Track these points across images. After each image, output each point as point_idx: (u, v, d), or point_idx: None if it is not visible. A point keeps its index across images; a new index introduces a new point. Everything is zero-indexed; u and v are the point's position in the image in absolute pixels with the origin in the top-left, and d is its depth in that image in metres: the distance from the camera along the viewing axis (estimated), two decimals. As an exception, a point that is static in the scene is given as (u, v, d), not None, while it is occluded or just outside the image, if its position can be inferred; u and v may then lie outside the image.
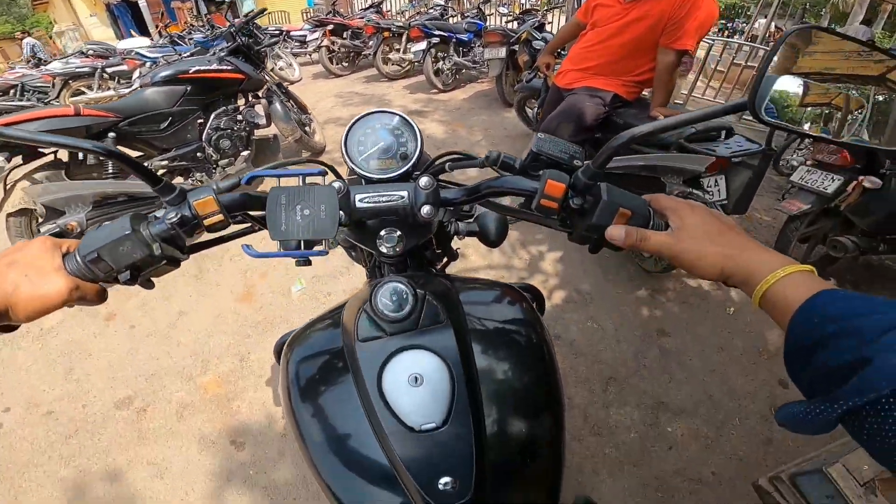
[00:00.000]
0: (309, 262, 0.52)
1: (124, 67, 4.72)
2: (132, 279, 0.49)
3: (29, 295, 0.43)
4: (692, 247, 0.45)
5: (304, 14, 10.76)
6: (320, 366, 0.57)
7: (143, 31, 10.62)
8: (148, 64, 4.47)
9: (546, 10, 5.95)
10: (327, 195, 0.48)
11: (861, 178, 1.81)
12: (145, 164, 2.34)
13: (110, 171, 2.22)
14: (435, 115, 4.39)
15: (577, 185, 0.49)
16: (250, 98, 2.93)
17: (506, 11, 6.81)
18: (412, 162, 0.59)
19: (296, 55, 6.07)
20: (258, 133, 2.97)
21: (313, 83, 5.84)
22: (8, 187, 2.04)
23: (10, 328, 0.46)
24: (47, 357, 1.95)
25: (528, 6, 6.61)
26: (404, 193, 0.53)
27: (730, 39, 6.14)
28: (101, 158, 2.21)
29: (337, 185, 0.51)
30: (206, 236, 0.54)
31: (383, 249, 0.57)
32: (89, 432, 1.62)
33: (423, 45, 4.82)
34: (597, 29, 2.10)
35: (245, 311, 2.09)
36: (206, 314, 2.09)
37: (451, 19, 6.06)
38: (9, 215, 2.00)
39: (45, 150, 2.12)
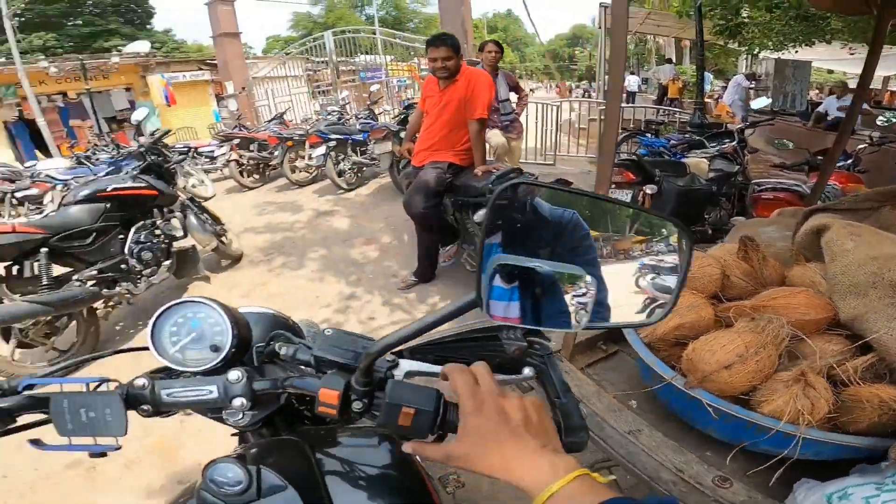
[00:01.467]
0: (104, 454, 0.52)
1: (34, 191, 4.92)
2: None
3: None
4: (473, 452, 0.44)
5: (212, 129, 11.44)
6: None
7: (44, 152, 10.59)
8: (59, 186, 4.73)
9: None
10: (111, 401, 0.51)
11: (643, 188, 2.83)
12: (74, 277, 2.70)
13: (44, 283, 2.53)
14: (342, 213, 4.99)
15: (355, 389, 0.51)
16: (165, 212, 3.36)
17: (390, 108, 7.99)
18: (223, 355, 0.57)
19: (207, 171, 6.50)
20: (177, 244, 3.36)
21: (227, 197, 6.24)
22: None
23: None
24: None
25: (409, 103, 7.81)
26: (213, 388, 0.54)
27: (584, 99, 7.85)
28: (39, 270, 2.54)
29: (140, 381, 0.53)
30: None
31: (230, 422, 0.56)
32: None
33: (322, 149, 5.53)
34: (429, 114, 3.02)
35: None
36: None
37: (347, 122, 6.95)
38: None
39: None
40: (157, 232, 3.18)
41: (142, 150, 3.44)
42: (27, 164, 6.19)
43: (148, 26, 27.21)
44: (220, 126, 11.42)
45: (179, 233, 3.35)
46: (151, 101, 14.14)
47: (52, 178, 4.93)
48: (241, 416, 0.55)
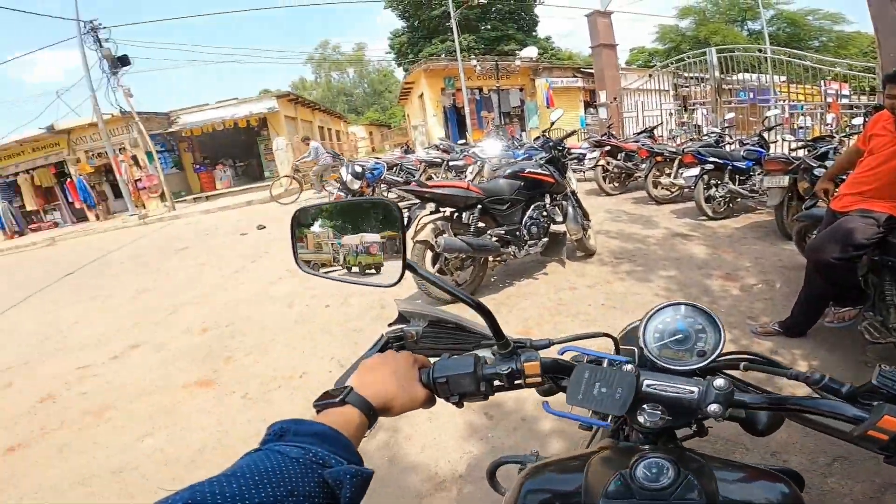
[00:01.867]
0: (591, 428, 0.59)
1: (461, 163, 6.77)
2: (459, 403, 0.62)
3: (403, 400, 0.59)
4: None
5: (578, 133, 12.47)
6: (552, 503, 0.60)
7: (462, 133, 14.21)
8: (478, 163, 6.34)
9: (844, 137, 5.66)
10: (627, 381, 0.54)
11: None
12: (488, 231, 3.57)
13: (472, 230, 3.47)
14: (701, 240, 4.66)
15: None
16: (554, 199, 3.99)
17: (792, 138, 6.69)
18: (708, 361, 0.60)
19: (574, 171, 7.26)
20: (553, 227, 3.96)
21: (587, 198, 6.68)
22: (420, 225, 3.47)
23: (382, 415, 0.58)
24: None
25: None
26: (694, 389, 0.55)
27: None
28: (470, 220, 3.49)
29: (628, 367, 0.56)
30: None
31: (641, 420, 0.57)
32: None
33: (695, 171, 5.24)
34: (873, 155, 2.40)
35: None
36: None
37: (727, 147, 6.33)
38: (416, 241, 3.39)
39: (444, 209, 3.52)
40: (545, 213, 3.81)
41: (550, 144, 4.16)
42: (459, 142, 8.47)
43: (533, 33, 30.49)
44: (584, 132, 12.46)
45: (559, 218, 3.90)
46: (536, 101, 16.62)
47: (477, 155, 6.60)
48: (656, 419, 0.56)
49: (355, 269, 0.73)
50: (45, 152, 14.75)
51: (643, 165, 6.43)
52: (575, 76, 17.95)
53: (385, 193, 7.69)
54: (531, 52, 17.61)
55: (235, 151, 17.33)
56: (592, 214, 5.66)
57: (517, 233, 3.64)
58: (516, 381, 0.61)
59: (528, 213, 3.70)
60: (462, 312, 0.80)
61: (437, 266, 3.53)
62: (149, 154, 13.57)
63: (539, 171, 3.74)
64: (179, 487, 0.37)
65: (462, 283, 3.62)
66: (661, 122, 9.48)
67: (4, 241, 14.37)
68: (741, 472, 0.60)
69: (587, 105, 17.01)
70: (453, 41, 15.77)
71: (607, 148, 6.95)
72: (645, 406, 0.56)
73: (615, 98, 11.12)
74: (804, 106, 9.34)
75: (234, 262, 5.86)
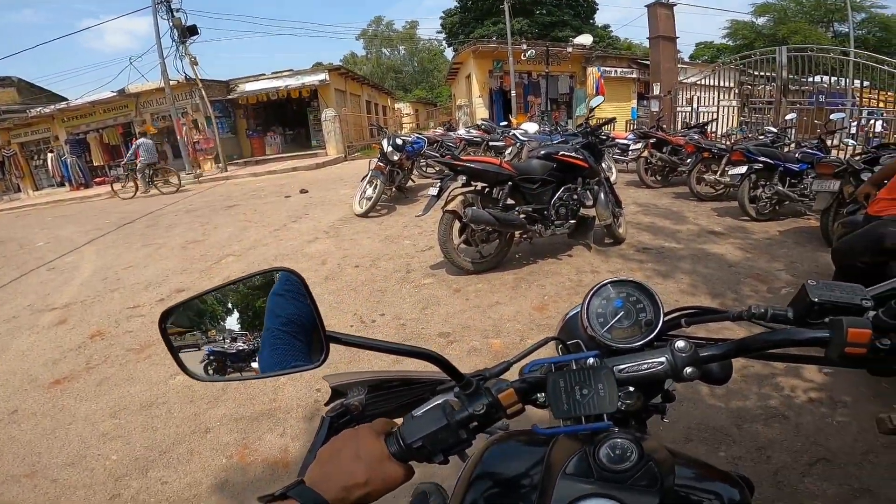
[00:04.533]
0: (591, 436, 0.53)
1: (501, 144, 6.81)
2: (444, 461, 0.56)
3: (377, 484, 0.51)
4: None
5: (629, 124, 12.11)
6: (511, 473, 0.60)
7: (506, 116, 14.12)
8: (517, 144, 6.37)
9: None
10: (604, 376, 0.52)
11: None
12: (516, 208, 3.65)
13: (500, 206, 3.55)
14: (735, 240, 4.52)
15: (883, 326, 0.50)
16: (587, 182, 4.00)
17: (854, 143, 6.30)
18: (658, 329, 0.60)
19: (616, 160, 7.14)
20: (583, 211, 3.97)
21: (625, 189, 6.65)
22: (450, 196, 3.59)
23: None
24: (430, 299, 3.33)
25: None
26: (663, 360, 0.55)
27: None
28: (500, 195, 3.57)
29: (593, 360, 0.55)
30: None
31: (621, 407, 0.55)
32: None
33: (742, 169, 5.05)
34: None
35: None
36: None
37: (784, 148, 6.05)
38: (445, 210, 3.52)
39: (475, 183, 3.62)
40: (574, 196, 3.84)
41: (587, 129, 4.15)
42: (502, 124, 8.48)
43: (590, 21, 29.68)
44: (635, 124, 12.11)
45: (589, 202, 3.92)
46: (585, 89, 16.21)
47: (517, 136, 6.63)
48: (633, 400, 0.55)
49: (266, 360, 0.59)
50: (115, 114, 15.83)
51: (689, 160, 6.24)
52: (630, 66, 17.32)
53: (424, 167, 7.84)
54: (585, 39, 17.11)
55: (286, 120, 17.95)
56: (628, 206, 5.61)
57: (545, 212, 3.70)
58: (496, 417, 0.56)
59: (559, 194, 3.74)
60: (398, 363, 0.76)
61: (464, 237, 3.65)
62: (207, 118, 14.28)
63: (573, 154, 3.76)
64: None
65: (486, 255, 3.73)
66: (716, 119, 9.09)
67: (70, 191, 15.65)
68: (700, 468, 0.60)
69: (640, 97, 16.42)
70: (505, 24, 15.54)
71: (653, 140, 6.77)
72: (621, 393, 0.54)
73: (669, 91, 10.71)
74: (882, 112, 8.73)
75: (277, 221, 6.20)
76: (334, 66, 16.72)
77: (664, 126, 8.36)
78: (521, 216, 3.59)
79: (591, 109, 4.56)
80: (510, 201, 3.62)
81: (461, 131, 8.30)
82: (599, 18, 32.02)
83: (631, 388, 0.55)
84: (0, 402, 2.77)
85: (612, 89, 15.52)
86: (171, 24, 12.94)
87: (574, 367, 0.55)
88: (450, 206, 3.51)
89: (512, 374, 0.61)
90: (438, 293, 3.48)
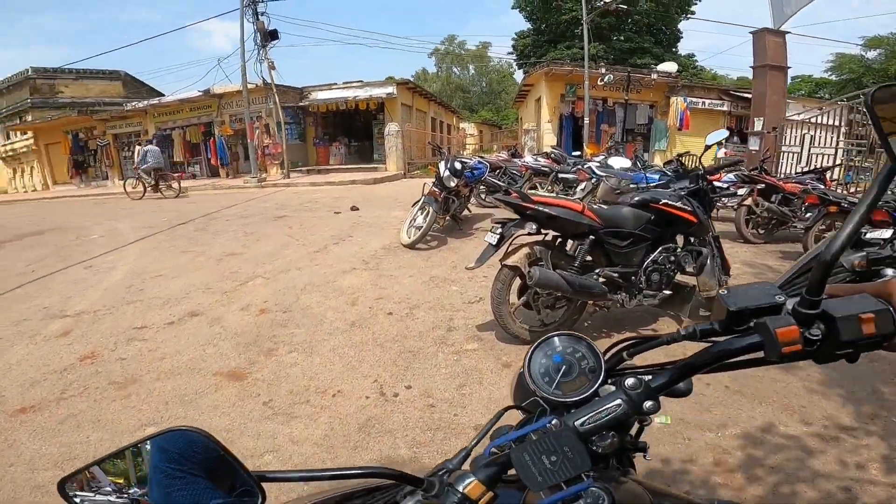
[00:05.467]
0: (579, 496, 0.51)
1: (572, 177, 5.99)
2: None
3: None
4: None
5: (717, 161, 10.80)
6: None
7: (577, 145, 13.18)
8: (593, 180, 5.52)
9: None
10: (565, 437, 0.51)
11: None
12: (596, 269, 2.83)
13: (575, 264, 2.77)
14: None
15: (802, 318, 0.50)
16: (690, 241, 3.12)
17: None
18: (602, 372, 0.60)
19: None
20: (678, 277, 3.09)
21: None
22: (512, 246, 2.83)
23: None
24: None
25: None
26: (619, 401, 0.54)
27: None
28: (577, 252, 2.80)
29: (553, 424, 0.54)
30: None
31: (598, 451, 0.54)
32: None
33: (886, 232, 3.96)
34: None
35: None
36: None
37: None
38: (504, 265, 2.77)
39: (545, 232, 2.86)
40: (673, 259, 2.96)
41: (699, 173, 3.27)
42: (574, 154, 7.64)
43: (673, 50, 28.00)
44: (719, 161, 10.76)
45: (690, 268, 3.03)
46: (666, 120, 14.92)
47: (593, 170, 5.77)
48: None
49: None
50: (199, 113, 16.65)
51: (808, 214, 5.10)
52: (720, 98, 15.79)
53: (483, 196, 7.15)
54: (670, 66, 15.92)
55: (353, 131, 18.07)
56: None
57: (633, 277, 2.85)
58: None
59: (653, 255, 2.89)
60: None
61: (524, 298, 2.89)
62: (278, 124, 14.55)
63: (678, 205, 2.90)
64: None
65: (549, 323, 2.92)
66: (840, 164, 7.73)
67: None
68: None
69: (731, 133, 14.86)
70: (579, 48, 14.74)
71: (760, 186, 5.65)
72: (594, 438, 0.54)
73: (774, 128, 9.37)
74: None
75: (319, 241, 5.73)
76: (403, 80, 16.63)
77: (767, 168, 7.14)
78: (603, 281, 2.78)
79: (708, 146, 3.60)
80: (589, 259, 2.83)
81: (528, 158, 7.54)
82: (683, 47, 30.15)
83: (604, 432, 0.54)
84: None
85: (697, 122, 14.20)
86: (255, 27, 13.30)
87: (534, 437, 0.53)
88: (511, 261, 2.75)
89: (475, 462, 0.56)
90: (483, 365, 2.73)
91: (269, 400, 2.45)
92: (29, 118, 20.55)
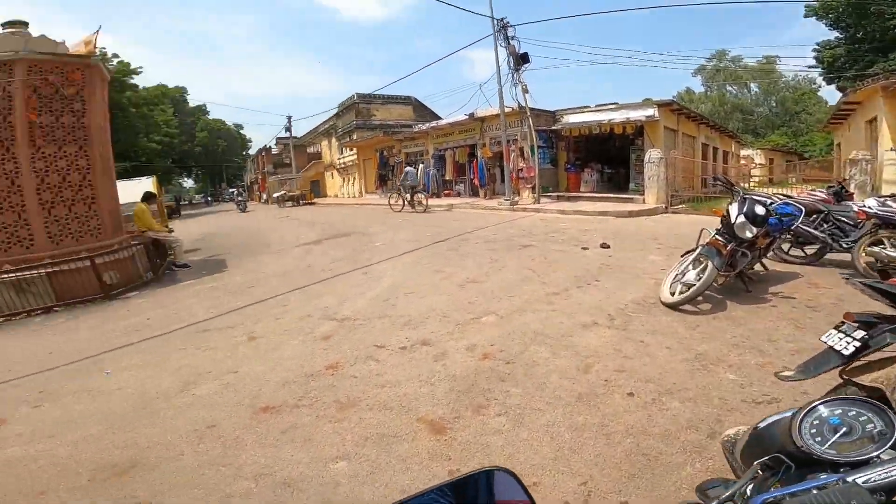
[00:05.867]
0: None
1: None
2: None
3: None
4: None
5: None
6: None
7: None
8: None
9: None
10: (855, 493, 0.53)
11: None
12: None
13: None
14: None
15: None
16: None
17: None
18: (892, 441, 0.60)
19: None
20: None
21: None
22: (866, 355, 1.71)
23: None
24: None
25: None
26: None
27: None
28: None
29: (833, 482, 0.55)
30: None
31: None
32: None
33: None
34: None
35: None
36: None
37: None
38: (852, 382, 1.68)
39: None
40: None
41: None
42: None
43: None
44: None
45: None
46: None
47: None
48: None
49: None
50: (465, 135, 18.71)
51: None
52: None
53: (786, 250, 5.31)
54: None
55: (606, 157, 17.05)
56: None
57: None
58: None
59: None
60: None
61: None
62: (532, 147, 14.91)
63: None
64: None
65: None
66: None
67: (424, 199, 19.41)
68: None
69: None
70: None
71: None
72: (881, 497, 0.55)
73: None
74: None
75: (560, 280, 5.24)
76: (665, 101, 14.64)
77: None
78: None
79: None
80: None
81: (870, 202, 5.21)
82: None
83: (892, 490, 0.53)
84: (216, 409, 2.89)
85: None
86: (507, 51, 13.92)
87: (815, 492, 0.54)
88: (870, 379, 1.59)
89: None
90: None
91: (455, 469, 2.12)
92: (354, 137, 27.11)
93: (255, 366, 3.52)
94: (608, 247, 6.87)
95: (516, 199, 14.65)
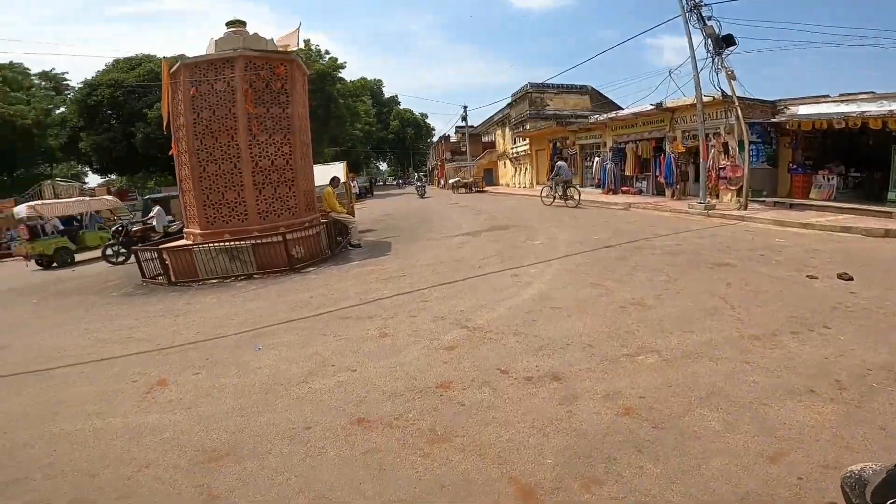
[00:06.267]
0: None
1: None
2: None
3: None
4: None
5: None
6: None
7: None
8: None
9: None
10: None
11: None
12: None
13: None
14: None
15: None
16: None
17: None
18: None
19: None
20: None
21: None
22: None
23: None
24: None
25: None
26: None
27: None
28: None
29: None
30: None
31: None
32: None
33: None
34: None
35: None
36: None
37: None
38: None
39: None
40: None
41: None
42: None
43: None
44: None
45: None
46: None
47: None
48: None
49: None
50: (651, 127, 16.42)
51: None
52: None
53: None
54: None
55: (853, 158, 12.84)
56: None
57: None
58: None
59: None
60: None
61: None
62: (740, 143, 12.16)
63: None
64: None
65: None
66: None
67: (600, 195, 17.82)
68: None
69: None
70: None
71: None
72: None
73: None
74: None
75: (766, 320, 3.80)
76: None
77: None
78: None
79: None
80: None
81: None
82: None
83: None
84: (319, 409, 2.80)
85: None
86: (703, 33, 11.54)
87: None
88: None
89: None
90: None
91: None
92: (527, 126, 26.50)
93: (372, 367, 3.39)
94: (850, 278, 4.94)
95: (713, 202, 12.22)
